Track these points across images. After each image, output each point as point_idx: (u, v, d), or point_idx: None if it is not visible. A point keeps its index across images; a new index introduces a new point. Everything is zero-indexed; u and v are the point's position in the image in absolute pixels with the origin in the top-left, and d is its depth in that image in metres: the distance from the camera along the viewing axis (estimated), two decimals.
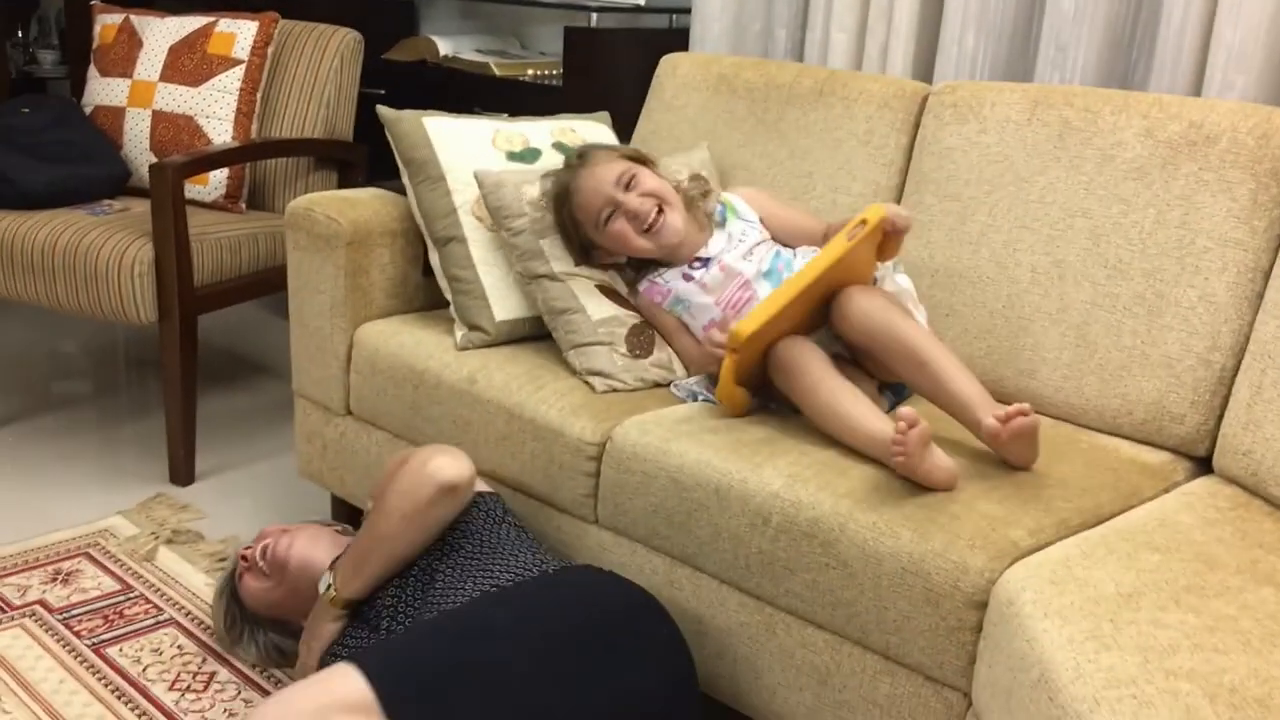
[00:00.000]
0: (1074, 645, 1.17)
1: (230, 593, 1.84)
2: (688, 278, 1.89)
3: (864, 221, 1.66)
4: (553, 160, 2.13)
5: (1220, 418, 1.66)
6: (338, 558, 1.71)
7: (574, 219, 1.91)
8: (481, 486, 1.77)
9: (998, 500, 1.47)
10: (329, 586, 1.66)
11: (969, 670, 1.39)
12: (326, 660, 1.63)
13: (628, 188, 1.87)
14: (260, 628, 1.82)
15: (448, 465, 1.62)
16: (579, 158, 1.94)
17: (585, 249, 1.94)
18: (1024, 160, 1.88)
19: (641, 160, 1.94)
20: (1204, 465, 1.68)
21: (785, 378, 1.67)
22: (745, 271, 1.86)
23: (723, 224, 1.92)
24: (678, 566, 1.68)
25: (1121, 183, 1.77)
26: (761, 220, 1.94)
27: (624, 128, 2.38)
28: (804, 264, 1.71)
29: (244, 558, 1.81)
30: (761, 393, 1.75)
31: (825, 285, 1.68)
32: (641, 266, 1.96)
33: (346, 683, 1.30)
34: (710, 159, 2.22)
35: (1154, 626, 1.19)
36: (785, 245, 1.92)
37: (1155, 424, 1.69)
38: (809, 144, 2.16)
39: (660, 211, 1.87)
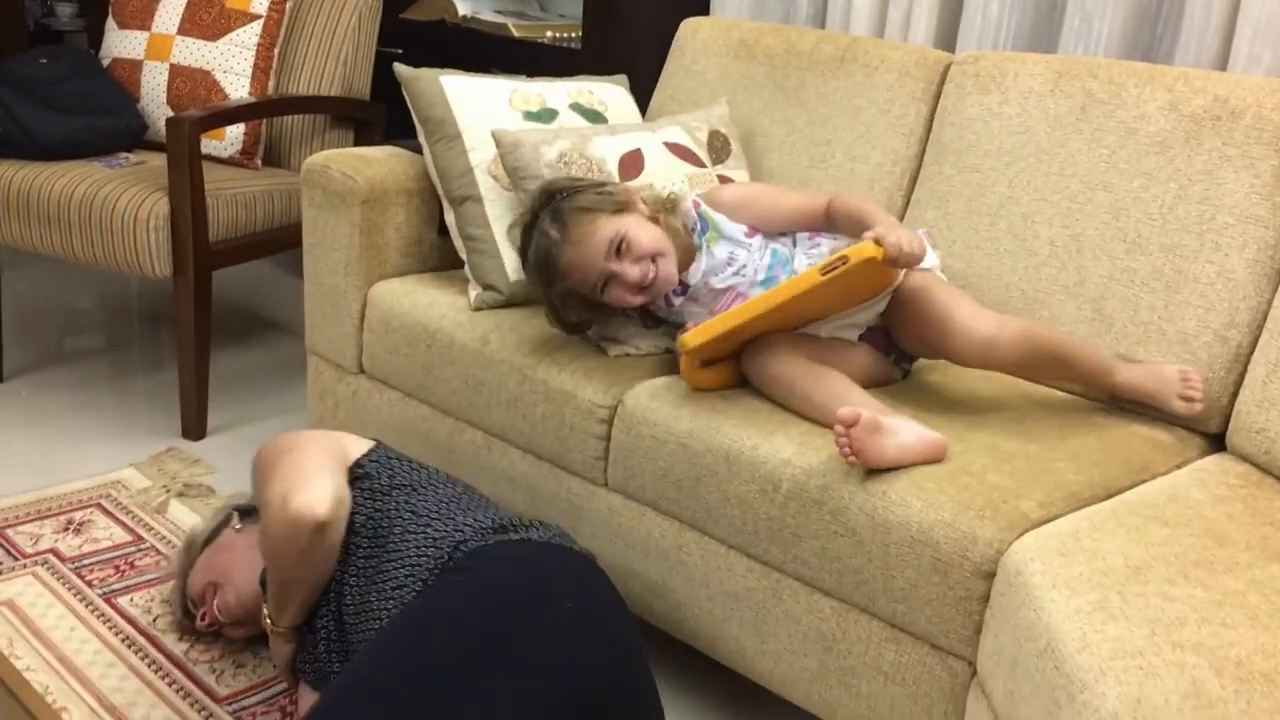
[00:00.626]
0: (1081, 616, 1.17)
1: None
2: (669, 303, 1.82)
3: (844, 259, 1.50)
4: (570, 121, 2.12)
5: (1235, 395, 1.65)
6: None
7: (568, 290, 1.77)
8: (359, 446, 1.68)
9: (1009, 472, 1.47)
10: (266, 616, 1.63)
11: (975, 639, 1.39)
12: (299, 670, 1.64)
13: (619, 254, 1.71)
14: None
15: (313, 504, 1.50)
16: (555, 221, 1.74)
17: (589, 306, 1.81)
18: (1045, 132, 1.87)
19: (619, 205, 1.75)
20: (1217, 442, 1.68)
21: (767, 391, 1.67)
22: (737, 285, 1.77)
23: (704, 246, 1.78)
24: (686, 531, 1.68)
25: (1143, 156, 1.76)
26: (752, 225, 1.80)
27: (642, 91, 2.37)
28: (798, 272, 1.69)
29: (202, 616, 1.76)
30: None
31: (800, 312, 1.63)
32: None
33: None
34: (729, 115, 2.20)
35: (1162, 599, 1.19)
36: (784, 233, 1.82)
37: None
38: (828, 112, 2.15)
39: (654, 264, 1.72)
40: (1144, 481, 1.52)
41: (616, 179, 1.94)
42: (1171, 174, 1.73)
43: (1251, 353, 1.64)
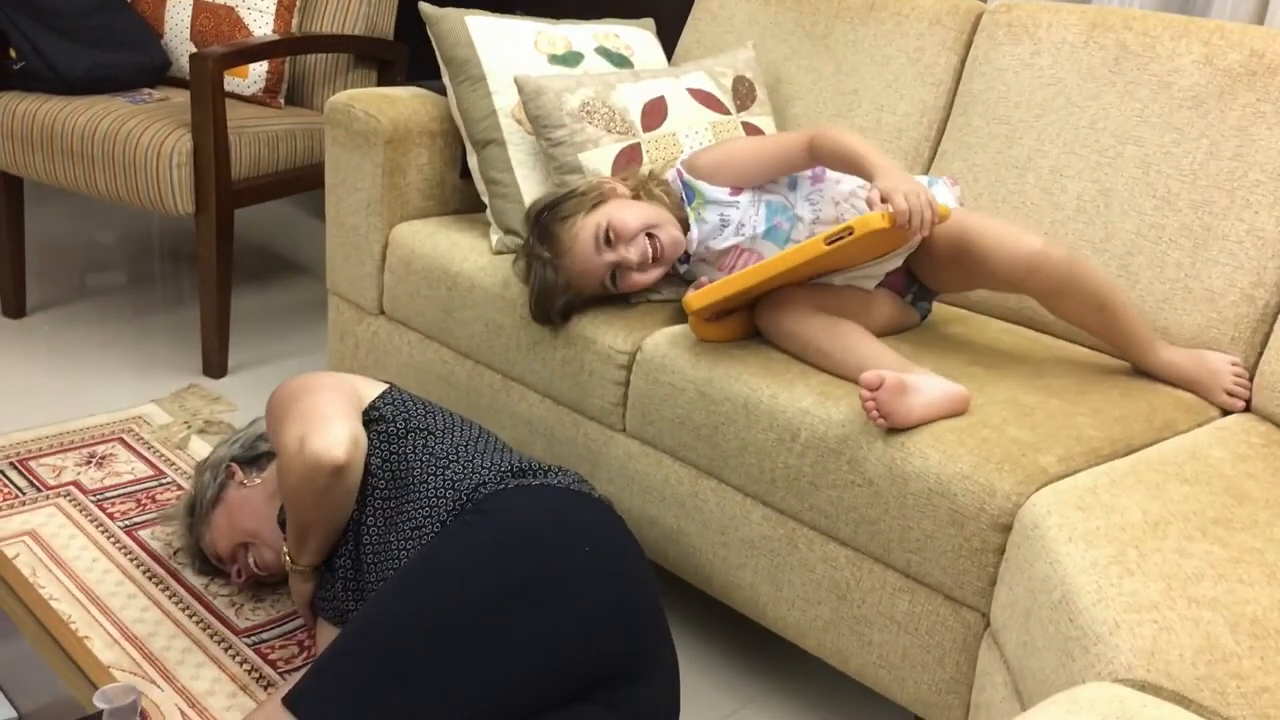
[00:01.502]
0: (1097, 569, 1.17)
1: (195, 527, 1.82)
2: (676, 270, 1.82)
3: (850, 230, 1.48)
4: (595, 65, 2.10)
5: (1260, 354, 1.64)
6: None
7: (580, 298, 1.80)
8: (372, 389, 1.67)
9: (1029, 426, 1.47)
10: (285, 554, 1.63)
11: (989, 591, 1.39)
12: (318, 607, 1.65)
13: (610, 243, 1.72)
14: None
15: (330, 447, 1.49)
16: (545, 243, 1.75)
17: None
18: (1077, 84, 1.84)
19: (601, 195, 1.75)
20: None
21: (783, 346, 1.66)
22: (740, 243, 1.75)
23: (694, 214, 1.77)
24: (703, 478, 1.69)
25: (1176, 111, 1.73)
26: (735, 183, 1.76)
27: (669, 35, 2.34)
28: (801, 218, 1.69)
29: (238, 573, 1.78)
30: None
31: (809, 273, 1.61)
32: None
33: None
34: (755, 59, 2.17)
35: (1179, 555, 1.19)
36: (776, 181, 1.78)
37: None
38: (856, 60, 2.12)
39: (654, 239, 1.73)
40: (1165, 439, 1.52)
41: (639, 129, 1.93)
42: (1204, 129, 1.70)
43: (1278, 313, 1.63)
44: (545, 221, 1.77)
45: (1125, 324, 1.63)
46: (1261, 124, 1.66)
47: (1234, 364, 1.62)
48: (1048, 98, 1.87)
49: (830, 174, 1.75)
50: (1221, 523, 1.26)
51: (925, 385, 1.47)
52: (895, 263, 1.72)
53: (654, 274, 1.76)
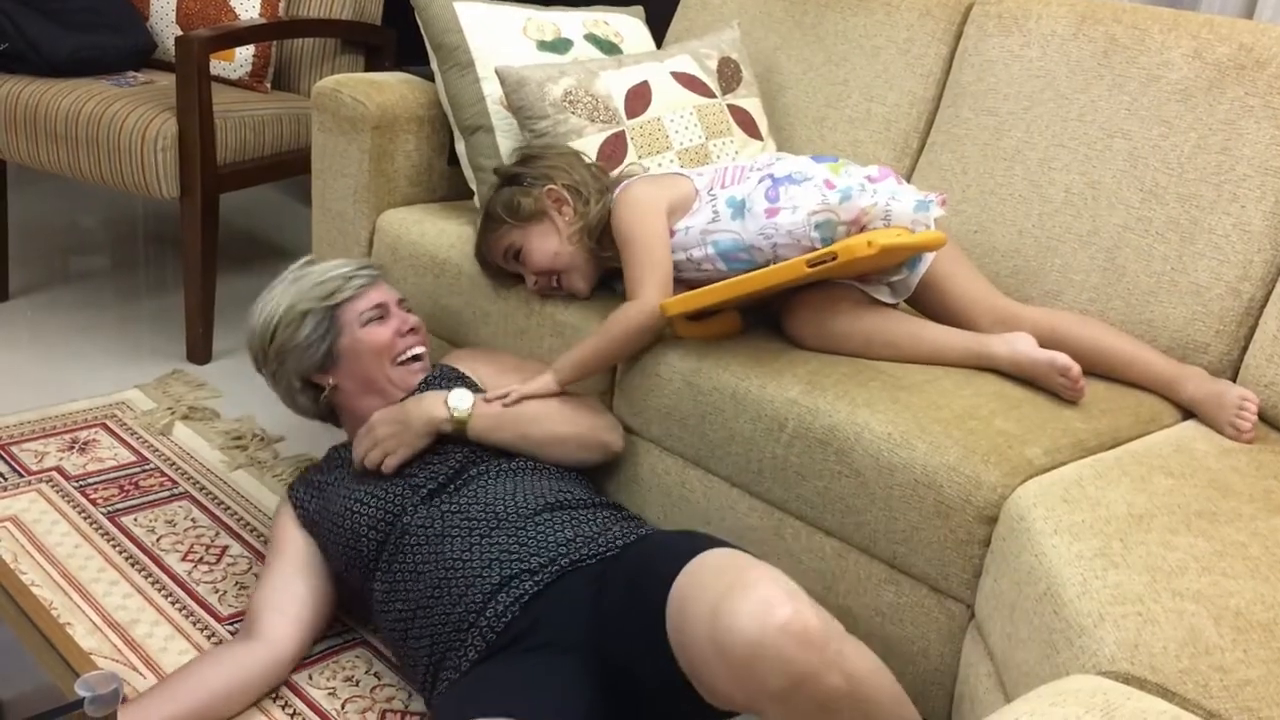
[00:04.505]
0: (1082, 561, 1.18)
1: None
2: None
3: (834, 255, 1.47)
4: (585, 52, 2.09)
5: (1245, 349, 1.65)
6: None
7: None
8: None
9: (1016, 419, 1.47)
10: (461, 401, 1.62)
11: (974, 583, 1.40)
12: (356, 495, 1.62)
13: (519, 262, 1.80)
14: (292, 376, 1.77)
15: (619, 440, 1.73)
16: (485, 208, 1.85)
17: None
18: (1066, 77, 1.84)
19: (532, 216, 1.77)
20: None
21: (842, 348, 1.63)
22: (706, 258, 1.68)
23: None
24: (690, 468, 1.69)
25: (1164, 104, 1.74)
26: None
27: (658, 22, 2.34)
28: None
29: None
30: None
31: (783, 288, 1.60)
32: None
33: None
34: (739, 39, 2.15)
35: (1163, 548, 1.20)
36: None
37: (1179, 352, 1.68)
38: (846, 50, 2.12)
39: (555, 278, 1.79)
40: (1150, 432, 1.52)
41: (624, 115, 1.92)
42: (1192, 123, 1.71)
43: (1264, 307, 1.63)
44: (494, 196, 1.82)
45: (1137, 371, 1.61)
46: (1249, 118, 1.66)
47: (1243, 396, 1.53)
48: (1036, 90, 1.87)
49: (783, 204, 1.59)
50: (1206, 516, 1.27)
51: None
52: (883, 296, 1.68)
53: (558, 293, 1.82)
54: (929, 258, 1.66)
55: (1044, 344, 1.57)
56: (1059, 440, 1.44)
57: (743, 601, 1.15)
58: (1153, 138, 1.74)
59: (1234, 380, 1.64)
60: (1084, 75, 1.82)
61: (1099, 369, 1.61)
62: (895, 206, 1.55)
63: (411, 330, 1.76)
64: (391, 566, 1.54)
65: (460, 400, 1.62)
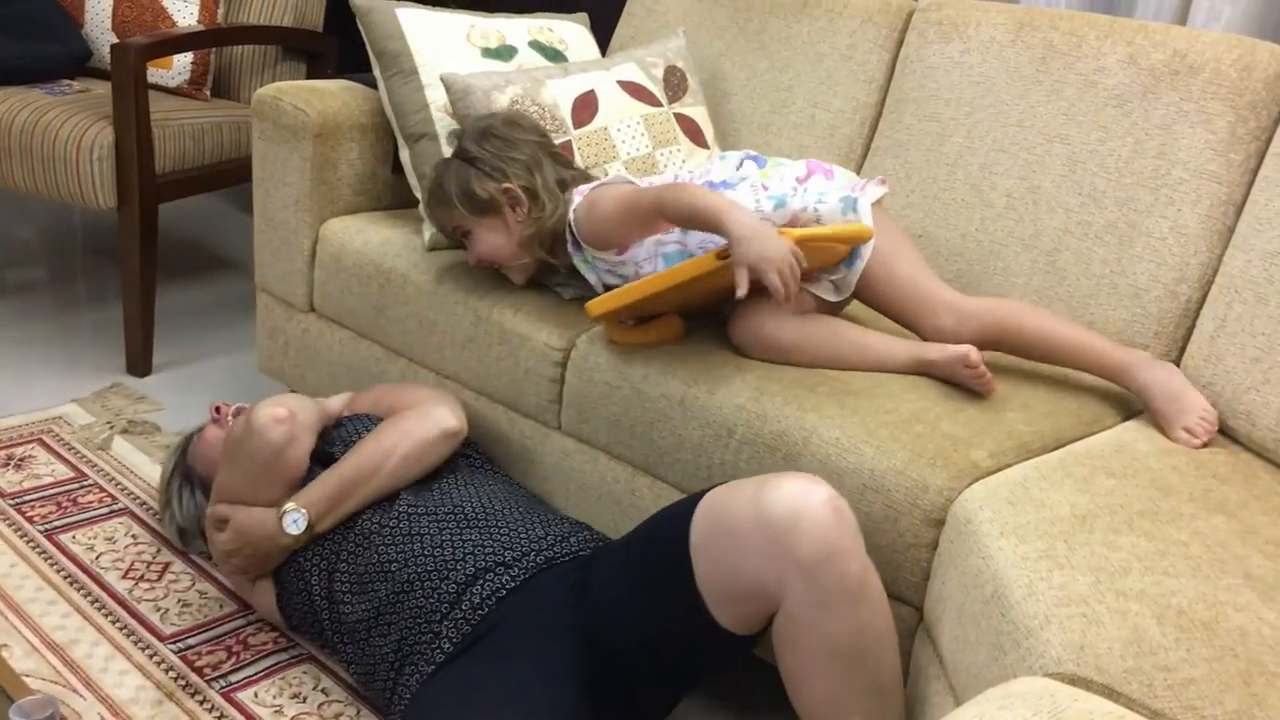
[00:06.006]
0: (1028, 564, 1.19)
1: (182, 446, 1.83)
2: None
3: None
4: (530, 59, 2.08)
5: (1183, 349, 1.67)
6: (303, 488, 1.62)
7: None
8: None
9: (961, 422, 1.48)
10: (297, 523, 1.58)
11: (922, 586, 1.41)
12: (289, 607, 1.65)
13: (464, 239, 1.81)
14: (195, 488, 1.80)
15: (450, 415, 1.68)
16: (436, 172, 1.82)
17: None
18: (1005, 83, 1.86)
19: (483, 207, 1.74)
20: None
21: (792, 360, 1.62)
22: (644, 272, 1.69)
23: (586, 263, 1.74)
24: (639, 475, 1.68)
25: (1101, 109, 1.76)
26: (620, 246, 1.69)
27: (603, 29, 2.33)
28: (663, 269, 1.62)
29: (217, 409, 1.81)
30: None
31: (708, 289, 1.59)
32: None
33: None
34: (685, 47, 2.16)
35: (1106, 548, 1.21)
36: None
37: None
38: (790, 56, 2.13)
39: (496, 267, 1.81)
40: (1093, 433, 1.54)
41: (570, 125, 1.92)
42: (1128, 128, 1.73)
43: (1200, 308, 1.66)
44: (446, 170, 1.79)
45: (1084, 358, 1.59)
46: (1184, 123, 1.69)
47: (1204, 410, 1.52)
48: (977, 95, 1.89)
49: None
50: (1147, 516, 1.29)
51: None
52: (826, 293, 1.69)
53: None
54: (866, 253, 1.64)
55: (993, 334, 1.58)
56: (1003, 443, 1.46)
57: (786, 481, 1.26)
58: (1090, 142, 1.76)
59: (1214, 431, 1.56)
60: (1023, 81, 1.84)
61: (1050, 357, 1.61)
62: (823, 209, 1.61)
63: (219, 408, 1.81)
64: (356, 567, 1.55)
65: (294, 524, 1.59)
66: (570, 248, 1.74)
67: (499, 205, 1.75)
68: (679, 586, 1.30)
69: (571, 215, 1.71)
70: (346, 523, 1.60)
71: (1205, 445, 1.50)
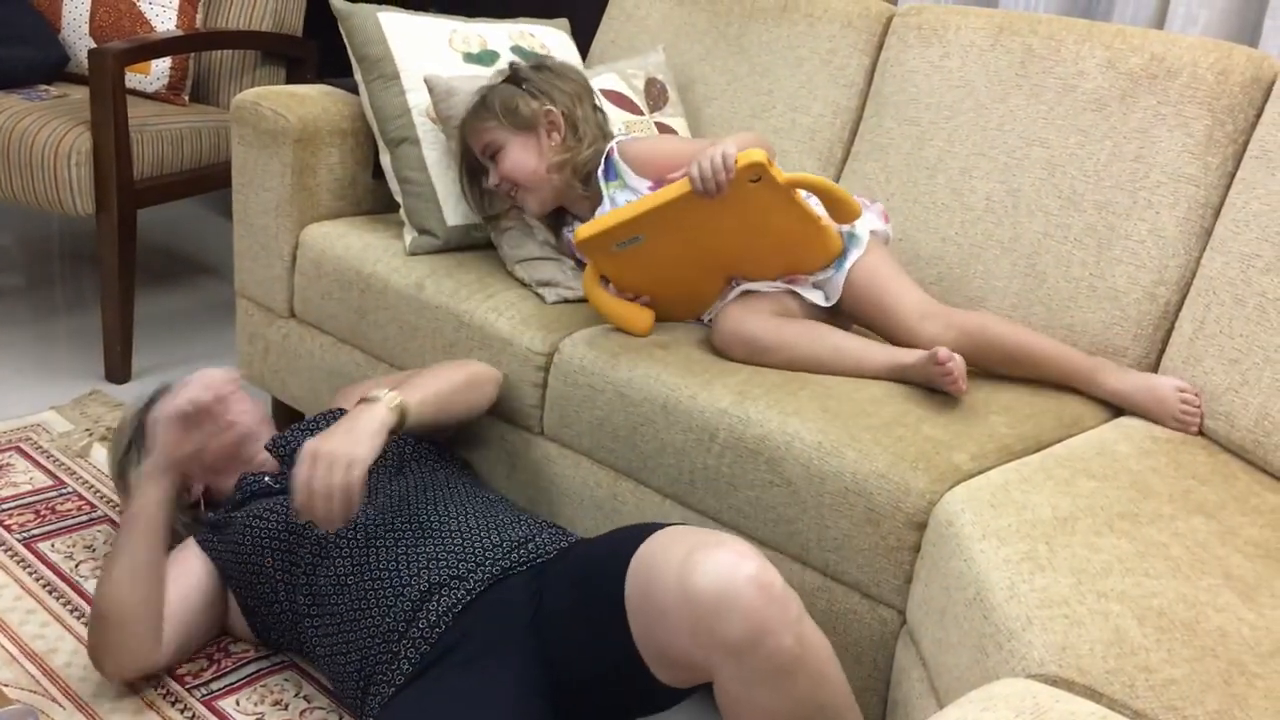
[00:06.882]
0: (1010, 566, 1.19)
1: (144, 407, 1.74)
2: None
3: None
4: None
5: (1162, 351, 1.68)
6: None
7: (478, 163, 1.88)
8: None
9: (942, 424, 1.49)
10: (385, 397, 1.53)
11: (905, 589, 1.41)
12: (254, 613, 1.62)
13: (492, 158, 1.82)
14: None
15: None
16: (471, 105, 1.85)
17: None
18: (985, 87, 1.87)
19: (523, 124, 1.79)
20: None
21: (770, 360, 1.63)
22: None
23: (608, 192, 1.77)
24: (622, 480, 1.68)
25: (1080, 113, 1.77)
26: (657, 179, 1.74)
27: (583, 35, 2.33)
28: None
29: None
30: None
31: (715, 246, 1.63)
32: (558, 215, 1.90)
33: None
34: (665, 62, 2.18)
35: (1088, 550, 1.22)
36: None
37: (1099, 356, 1.71)
38: (770, 61, 2.13)
39: (515, 190, 1.82)
40: (1073, 435, 1.55)
41: None
42: (1107, 131, 1.74)
43: (1179, 310, 1.67)
44: (494, 87, 1.84)
45: (1059, 366, 1.64)
46: (1162, 126, 1.70)
47: (1181, 390, 1.57)
48: (957, 99, 1.90)
49: None
50: (1128, 517, 1.29)
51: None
52: (813, 296, 1.70)
53: (511, 204, 1.86)
54: (852, 257, 1.67)
55: (972, 341, 1.59)
56: (985, 445, 1.46)
57: (713, 554, 1.19)
58: (1070, 146, 1.77)
59: (1201, 409, 1.59)
60: (1002, 85, 1.85)
61: (1024, 367, 1.64)
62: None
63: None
64: (315, 581, 1.52)
65: (389, 397, 1.55)
66: (601, 177, 1.77)
67: (537, 124, 1.79)
68: (618, 638, 1.26)
69: (615, 144, 1.78)
70: (303, 532, 1.55)
71: (1200, 422, 1.55)
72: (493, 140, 1.80)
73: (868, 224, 1.72)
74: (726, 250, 1.65)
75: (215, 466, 1.72)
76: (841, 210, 1.62)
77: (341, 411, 1.73)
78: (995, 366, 1.64)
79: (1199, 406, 1.57)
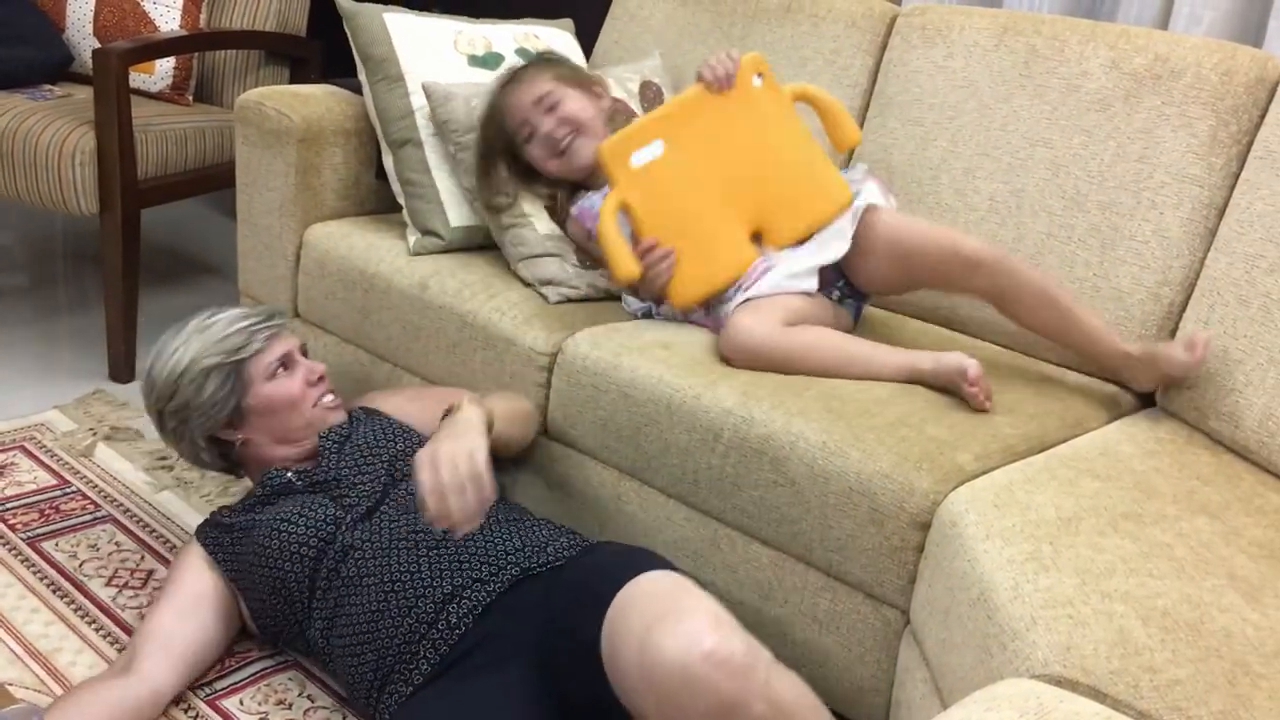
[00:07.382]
0: (1014, 566, 1.19)
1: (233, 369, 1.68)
2: (590, 265, 1.84)
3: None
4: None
5: None
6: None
7: (506, 140, 1.88)
8: None
9: (947, 425, 1.49)
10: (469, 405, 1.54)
11: (909, 589, 1.41)
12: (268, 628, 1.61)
13: (548, 110, 1.83)
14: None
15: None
16: (511, 75, 1.90)
17: (523, 172, 1.90)
18: (989, 87, 1.87)
19: (578, 81, 1.88)
20: (1148, 398, 1.71)
21: (790, 367, 1.63)
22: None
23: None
24: (625, 480, 1.68)
25: (1084, 114, 1.77)
26: None
27: (587, 35, 2.33)
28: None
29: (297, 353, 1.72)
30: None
31: (730, 156, 1.72)
32: (574, 191, 1.90)
33: None
34: (661, 66, 2.18)
35: (1092, 550, 1.22)
36: None
37: None
38: (774, 61, 2.13)
39: (572, 135, 1.83)
40: (1077, 436, 1.55)
41: None
42: (1111, 132, 1.74)
43: (1183, 311, 1.67)
44: (528, 64, 1.93)
45: (1083, 320, 1.62)
46: (1166, 126, 1.70)
47: (1183, 350, 1.55)
48: (960, 100, 1.90)
49: None
50: (1132, 518, 1.29)
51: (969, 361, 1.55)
52: (830, 256, 1.69)
53: (550, 165, 1.87)
54: (863, 199, 1.68)
55: (996, 283, 1.61)
56: (989, 446, 1.46)
57: (669, 632, 1.15)
58: (1073, 146, 1.77)
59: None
60: (1006, 85, 1.85)
61: (1039, 315, 1.63)
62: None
63: (321, 378, 1.72)
64: (333, 584, 1.52)
65: (472, 407, 1.55)
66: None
67: (592, 85, 1.91)
68: (601, 674, 1.25)
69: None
70: (328, 536, 1.56)
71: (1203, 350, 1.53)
72: (550, 91, 1.85)
73: (871, 195, 1.70)
74: (743, 180, 1.71)
75: (284, 431, 1.69)
76: (840, 129, 1.74)
77: (372, 409, 1.74)
78: (1024, 312, 1.64)
79: (1203, 345, 1.54)
